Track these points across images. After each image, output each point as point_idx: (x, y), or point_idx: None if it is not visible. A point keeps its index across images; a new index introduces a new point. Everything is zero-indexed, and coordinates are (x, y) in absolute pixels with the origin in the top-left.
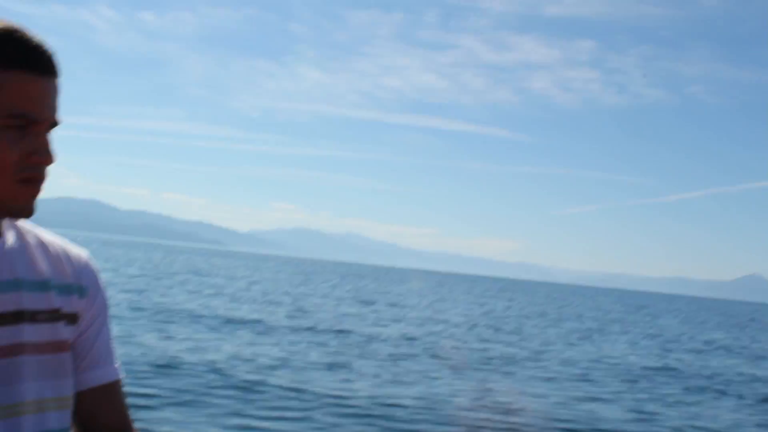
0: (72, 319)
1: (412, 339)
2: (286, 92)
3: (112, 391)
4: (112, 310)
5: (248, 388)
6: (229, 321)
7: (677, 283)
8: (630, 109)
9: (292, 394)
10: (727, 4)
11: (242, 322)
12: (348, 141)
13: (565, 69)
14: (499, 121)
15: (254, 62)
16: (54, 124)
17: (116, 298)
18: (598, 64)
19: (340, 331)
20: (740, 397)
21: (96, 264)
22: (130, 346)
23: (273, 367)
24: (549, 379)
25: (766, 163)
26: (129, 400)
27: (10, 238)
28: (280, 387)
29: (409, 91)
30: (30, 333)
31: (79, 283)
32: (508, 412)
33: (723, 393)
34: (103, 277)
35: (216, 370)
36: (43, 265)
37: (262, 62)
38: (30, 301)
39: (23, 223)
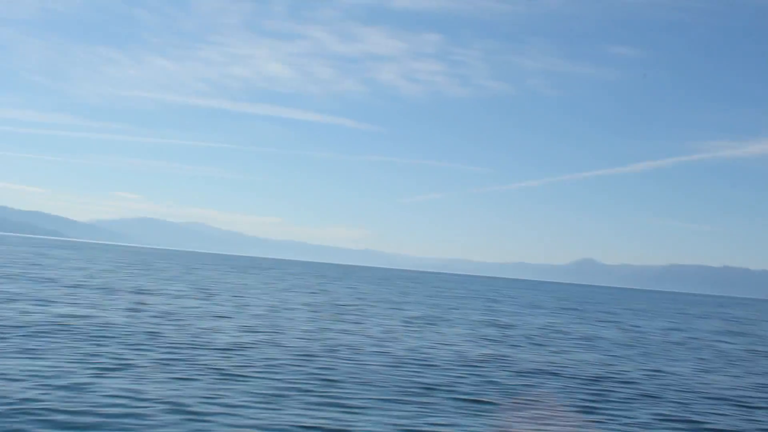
0: None
1: (253, 331)
2: (130, 80)
3: None
4: None
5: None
6: (60, 316)
7: (517, 268)
8: (474, 100)
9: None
10: (564, 2)
11: (74, 317)
12: (194, 130)
13: (412, 61)
14: (347, 112)
15: (97, 49)
16: None
17: None
18: (443, 57)
19: (177, 327)
20: (571, 377)
21: None
22: None
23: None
24: (393, 366)
25: (598, 155)
26: None
27: None
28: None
29: (256, 81)
30: None
31: None
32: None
33: (556, 375)
34: None
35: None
36: None
37: (105, 49)
38: None
39: None
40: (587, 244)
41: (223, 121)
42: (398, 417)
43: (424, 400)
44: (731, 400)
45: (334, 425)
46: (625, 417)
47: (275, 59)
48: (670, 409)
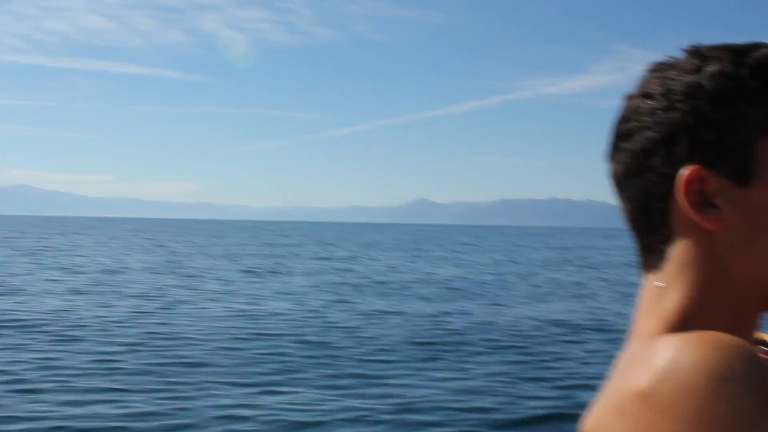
0: None
1: (85, 293)
2: None
3: None
4: None
5: None
6: None
7: (353, 212)
8: (301, 47)
9: None
10: None
11: None
12: (10, 88)
13: (236, 9)
14: (171, 63)
15: None
16: None
17: None
18: (267, 4)
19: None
20: (415, 315)
21: None
22: None
23: None
24: (234, 317)
25: (427, 96)
26: None
27: None
28: None
29: (74, 34)
30: None
31: None
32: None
33: (395, 314)
34: None
35: None
36: None
37: None
38: None
39: None
40: (421, 185)
41: (42, 77)
42: (248, 375)
43: (272, 351)
44: (562, 323)
45: (175, 383)
46: (463, 347)
47: (93, 11)
48: (504, 336)
